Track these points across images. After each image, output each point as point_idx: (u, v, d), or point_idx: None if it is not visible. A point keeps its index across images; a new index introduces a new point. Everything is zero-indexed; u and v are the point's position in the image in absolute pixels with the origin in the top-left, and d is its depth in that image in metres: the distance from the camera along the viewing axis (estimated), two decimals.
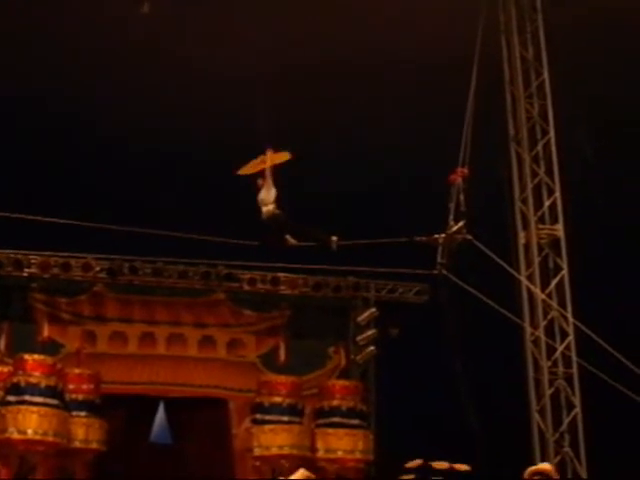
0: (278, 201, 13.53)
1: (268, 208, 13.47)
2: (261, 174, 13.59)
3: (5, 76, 17.57)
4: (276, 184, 13.58)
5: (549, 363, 17.52)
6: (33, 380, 16.90)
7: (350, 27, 18.45)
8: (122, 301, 19.24)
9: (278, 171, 13.65)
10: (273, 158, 13.52)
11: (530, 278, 17.77)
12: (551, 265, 17.97)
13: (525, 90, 18.60)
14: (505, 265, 15.21)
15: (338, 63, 18.70)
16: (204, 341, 19.39)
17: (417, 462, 15.93)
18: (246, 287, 19.64)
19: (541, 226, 18.10)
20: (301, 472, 9.71)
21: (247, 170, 13.74)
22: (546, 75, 18.54)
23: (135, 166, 18.77)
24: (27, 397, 16.75)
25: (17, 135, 18.44)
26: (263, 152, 13.56)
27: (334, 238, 13.73)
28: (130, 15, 17.28)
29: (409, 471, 16.00)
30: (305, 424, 18.43)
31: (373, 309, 19.75)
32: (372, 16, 18.29)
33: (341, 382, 19.16)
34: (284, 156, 13.67)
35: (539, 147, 18.42)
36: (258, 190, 13.60)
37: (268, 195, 13.48)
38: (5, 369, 17.44)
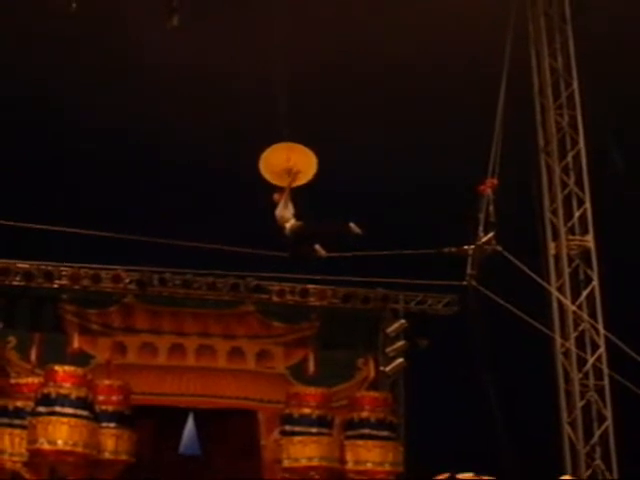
0: (297, 213, 13.54)
1: (290, 223, 13.45)
2: (279, 189, 13.57)
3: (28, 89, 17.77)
4: (294, 200, 13.60)
5: (580, 375, 17.42)
6: (63, 391, 16.95)
7: (375, 37, 18.47)
8: (152, 312, 19.30)
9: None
10: (299, 176, 13.51)
11: (560, 289, 17.70)
12: (581, 276, 17.88)
13: (555, 101, 18.56)
14: (535, 276, 15.15)
15: (363, 71, 18.72)
16: (233, 352, 19.40)
17: (445, 475, 15.87)
18: (275, 298, 19.65)
19: (571, 237, 18.02)
20: None
21: (270, 170, 13.64)
22: (576, 86, 18.48)
23: (164, 179, 18.86)
24: (57, 408, 16.79)
25: (51, 146, 18.55)
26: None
27: (352, 224, 13.55)
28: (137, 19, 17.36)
29: None
30: (334, 436, 18.37)
31: (402, 320, 19.68)
32: (399, 26, 18.29)
33: (370, 393, 19.10)
34: (309, 173, 13.65)
35: (569, 158, 18.36)
36: (275, 204, 13.58)
37: (286, 211, 13.46)
38: (36, 380, 17.50)
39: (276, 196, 13.50)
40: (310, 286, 19.64)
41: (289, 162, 13.40)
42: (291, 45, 16.19)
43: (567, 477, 15.74)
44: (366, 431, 18.37)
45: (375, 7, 18.25)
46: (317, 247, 13.68)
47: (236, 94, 18.20)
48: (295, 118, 14.68)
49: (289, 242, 13.52)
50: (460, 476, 15.81)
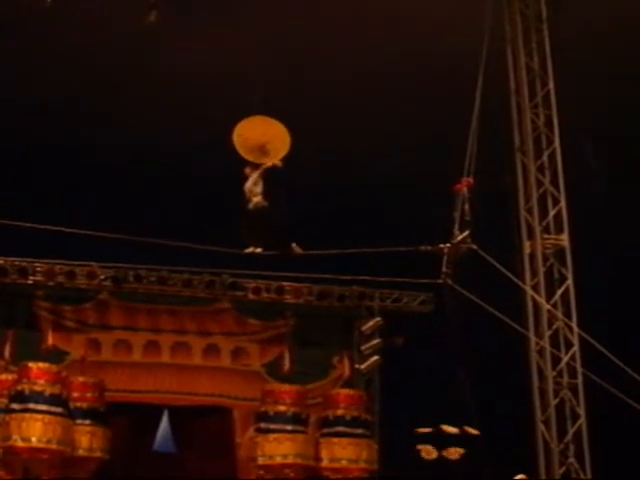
0: (265, 194, 13.80)
1: (257, 199, 13.70)
2: (252, 165, 13.84)
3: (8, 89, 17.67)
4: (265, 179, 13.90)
5: (554, 373, 17.49)
6: (37, 388, 16.87)
7: (352, 37, 18.50)
8: (127, 309, 19.22)
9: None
10: (275, 155, 13.76)
11: (535, 288, 17.75)
12: (556, 275, 17.94)
13: (531, 100, 18.61)
14: (510, 275, 15.19)
15: (342, 72, 18.74)
16: (208, 350, 19.36)
17: (428, 429, 16.00)
18: (251, 296, 19.59)
19: (546, 236, 18.08)
20: None
21: (243, 144, 13.84)
22: (552, 85, 18.54)
23: (140, 176, 18.83)
24: (31, 405, 16.73)
25: (22, 144, 18.47)
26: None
27: (294, 244, 13.89)
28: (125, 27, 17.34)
29: (422, 436, 16.07)
30: (309, 433, 18.38)
31: (378, 318, 19.68)
32: (375, 27, 18.33)
33: (345, 391, 19.10)
34: (282, 152, 13.92)
35: (544, 157, 18.41)
36: (245, 178, 13.83)
37: (256, 187, 13.77)
38: (9, 377, 17.41)
39: (247, 170, 13.85)
40: (286, 284, 19.60)
41: (264, 137, 13.58)
42: (268, 48, 16.28)
43: (521, 477, 15.86)
44: (341, 429, 18.38)
45: (351, 7, 18.29)
46: (294, 245, 13.79)
47: (219, 98, 18.20)
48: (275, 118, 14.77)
49: (248, 217, 13.75)
50: (445, 428, 15.90)
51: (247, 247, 14.34)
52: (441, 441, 16.58)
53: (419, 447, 16.76)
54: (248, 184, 13.81)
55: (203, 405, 19.17)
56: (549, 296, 17.74)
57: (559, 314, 17.51)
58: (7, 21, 17.53)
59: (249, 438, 18.68)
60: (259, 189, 13.83)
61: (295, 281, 19.42)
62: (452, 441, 16.44)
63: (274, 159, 13.88)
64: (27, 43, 18.10)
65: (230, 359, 19.47)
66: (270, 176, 14.23)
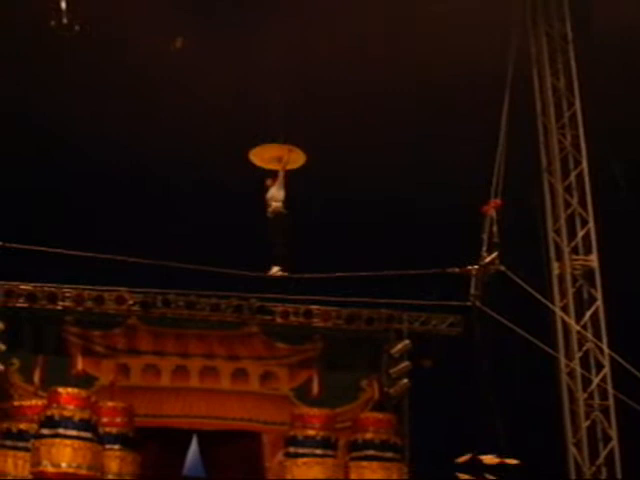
0: (286, 202, 14.04)
1: (277, 205, 13.92)
2: (272, 174, 14.10)
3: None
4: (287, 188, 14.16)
5: (585, 395, 17.38)
6: (67, 413, 16.92)
7: (380, 58, 18.53)
8: (155, 334, 19.26)
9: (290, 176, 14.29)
10: (290, 159, 14.05)
11: (564, 309, 17.67)
12: (585, 296, 17.86)
13: (557, 121, 18.59)
14: (539, 296, 15.13)
15: (370, 90, 18.76)
16: (237, 374, 19.36)
17: (466, 457, 15.90)
18: (279, 320, 19.59)
19: (575, 257, 18.01)
20: None
21: (260, 160, 14.17)
22: (578, 105, 18.52)
23: (167, 200, 18.89)
24: (61, 430, 16.77)
25: (54, 170, 18.57)
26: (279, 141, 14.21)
27: (275, 268, 14.15)
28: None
29: (460, 466, 15.93)
30: (339, 457, 18.31)
31: (406, 341, 19.60)
32: (401, 48, 18.35)
33: (374, 415, 19.02)
34: (300, 159, 14.16)
35: (572, 177, 18.38)
36: (266, 189, 14.05)
37: (278, 194, 14.07)
38: (39, 402, 17.47)
39: (269, 181, 14.16)
40: (314, 307, 19.59)
41: (278, 152, 14.12)
42: (285, 64, 16.34)
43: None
44: (370, 452, 18.30)
45: (381, 25, 18.35)
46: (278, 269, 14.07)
47: (243, 123, 18.25)
48: (292, 140, 14.87)
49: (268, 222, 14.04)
50: (483, 458, 15.78)
51: (269, 270, 14.49)
52: (476, 468, 16.47)
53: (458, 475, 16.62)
54: (271, 191, 14.13)
55: (232, 429, 19.14)
56: (579, 317, 17.65)
57: (589, 335, 17.41)
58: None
59: (278, 462, 18.64)
60: (281, 196, 14.10)
61: (323, 304, 19.41)
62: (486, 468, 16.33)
63: (294, 166, 14.31)
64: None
65: (259, 383, 19.45)
66: (295, 197, 14.51)
